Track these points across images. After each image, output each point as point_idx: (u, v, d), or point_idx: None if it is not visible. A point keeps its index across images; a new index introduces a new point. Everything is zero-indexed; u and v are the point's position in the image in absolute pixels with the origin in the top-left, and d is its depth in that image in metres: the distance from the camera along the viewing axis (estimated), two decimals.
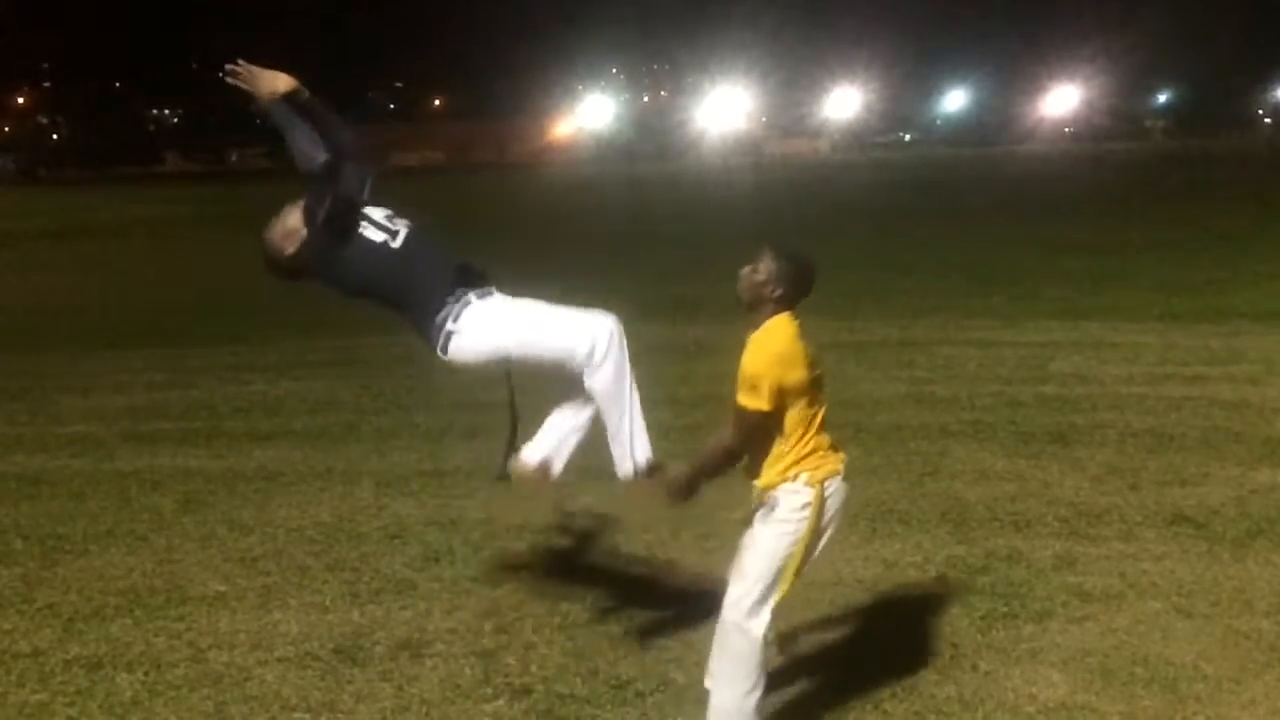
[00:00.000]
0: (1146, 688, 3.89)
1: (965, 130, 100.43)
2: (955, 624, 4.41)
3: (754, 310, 3.43)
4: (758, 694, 3.39)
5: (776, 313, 3.39)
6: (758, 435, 3.35)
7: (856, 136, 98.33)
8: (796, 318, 3.39)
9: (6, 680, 4.23)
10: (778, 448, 3.36)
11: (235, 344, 11.83)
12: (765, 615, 3.36)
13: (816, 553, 3.42)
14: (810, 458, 3.35)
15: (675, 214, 31.12)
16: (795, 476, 3.34)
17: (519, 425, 4.11)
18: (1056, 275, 14.87)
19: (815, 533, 3.34)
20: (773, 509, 3.39)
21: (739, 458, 3.44)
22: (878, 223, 25.78)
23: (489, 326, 3.82)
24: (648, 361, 10.84)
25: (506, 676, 4.12)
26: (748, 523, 3.49)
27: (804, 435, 3.35)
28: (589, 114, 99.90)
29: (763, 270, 3.38)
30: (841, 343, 10.48)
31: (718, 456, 3.51)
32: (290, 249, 3.93)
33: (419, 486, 6.42)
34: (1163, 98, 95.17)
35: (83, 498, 6.44)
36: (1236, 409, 7.51)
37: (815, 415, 3.37)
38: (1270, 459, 6.41)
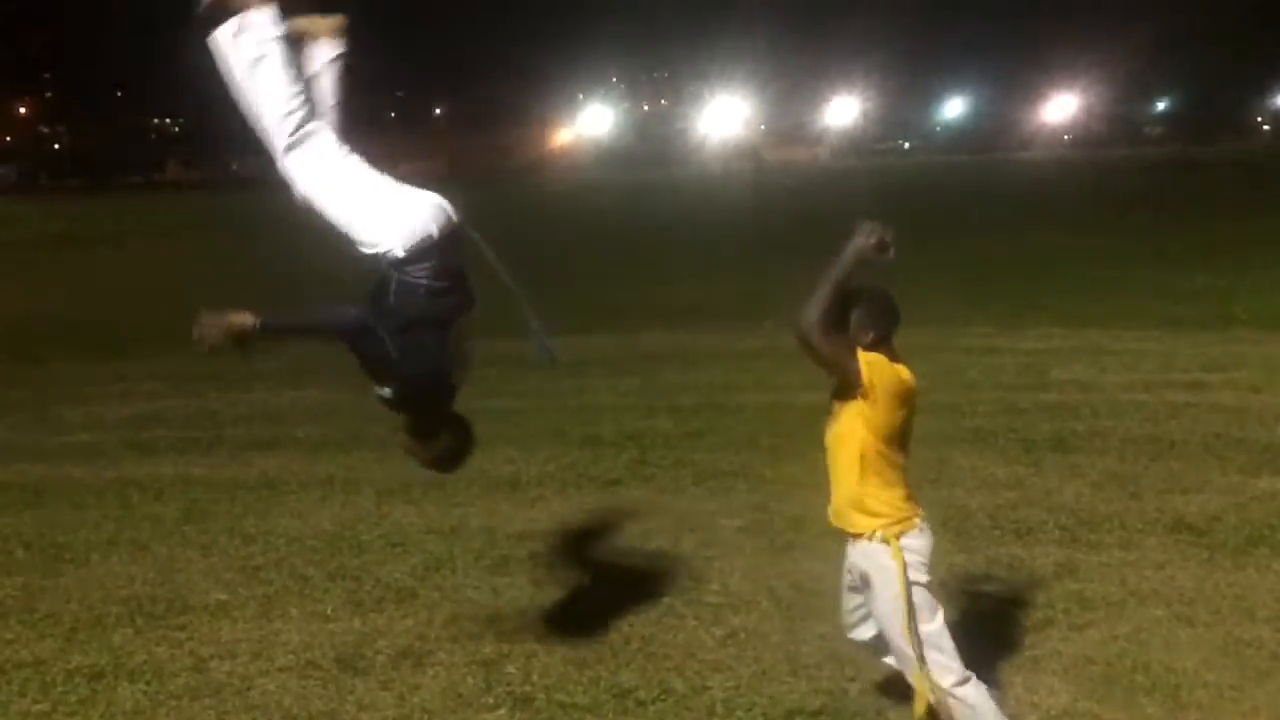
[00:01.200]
0: (1148, 695, 3.89)
1: (964, 137, 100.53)
2: (956, 632, 4.39)
3: None
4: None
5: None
6: (822, 364, 3.24)
7: (856, 144, 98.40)
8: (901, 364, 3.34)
9: (8, 690, 4.23)
10: (858, 487, 3.30)
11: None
12: (941, 663, 3.29)
13: (930, 598, 3.34)
14: (893, 509, 3.31)
15: (676, 221, 31.15)
16: (876, 532, 3.30)
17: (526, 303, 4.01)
18: (1056, 282, 14.87)
19: (906, 578, 3.26)
20: (869, 579, 3.34)
21: (805, 328, 3.21)
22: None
23: (374, 215, 3.71)
24: (648, 369, 10.92)
25: (508, 685, 4.12)
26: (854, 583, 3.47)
27: (894, 480, 3.31)
28: (589, 122, 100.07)
29: (849, 319, 3.30)
30: None
31: (824, 299, 3.22)
32: (438, 444, 4.01)
33: (420, 495, 6.41)
34: (1161, 105, 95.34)
35: (84, 507, 6.44)
36: (1237, 416, 7.51)
37: (900, 465, 3.34)
38: (1271, 466, 6.40)
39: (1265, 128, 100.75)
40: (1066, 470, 6.45)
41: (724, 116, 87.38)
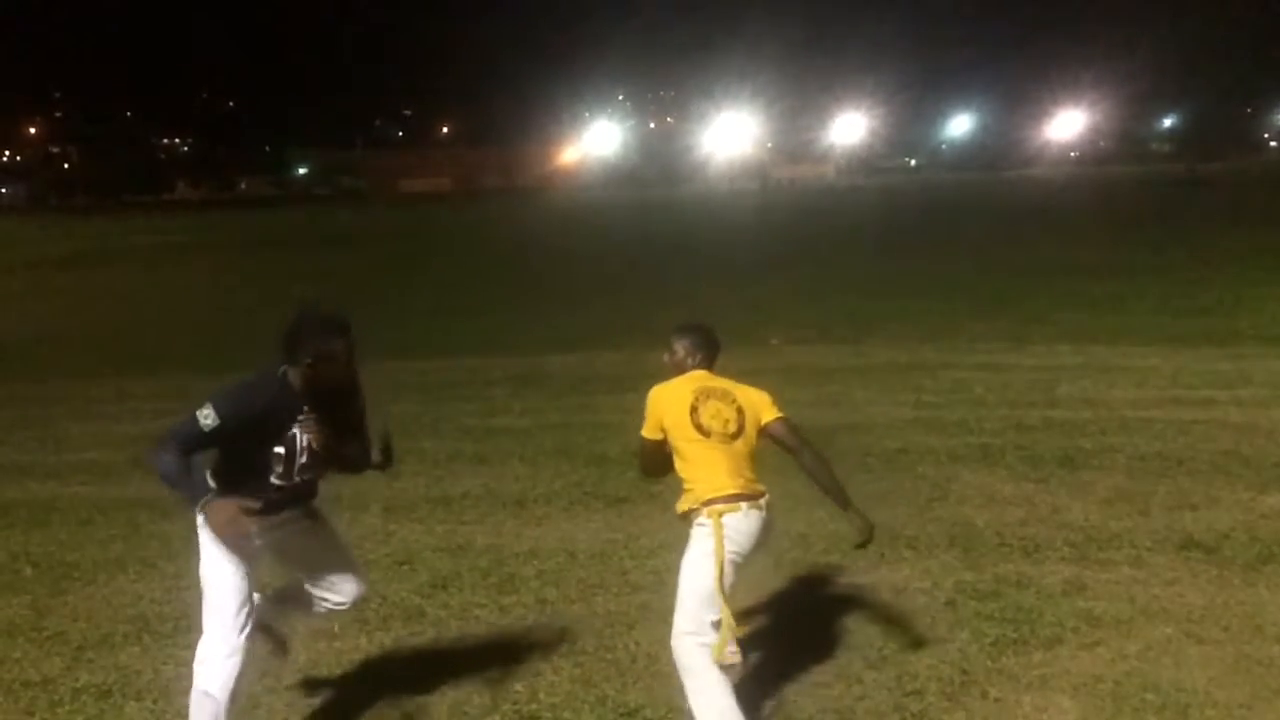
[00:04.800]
0: (1158, 714, 3.87)
1: (970, 155, 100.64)
2: (965, 650, 4.39)
3: None
4: (718, 701, 3.64)
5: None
6: (650, 460, 3.93)
7: (862, 161, 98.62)
8: (711, 372, 3.97)
9: (15, 709, 4.23)
10: (684, 479, 3.81)
11: (244, 370, 11.85)
12: (689, 638, 3.66)
13: (732, 578, 3.71)
14: (709, 489, 3.72)
15: (682, 239, 31.20)
16: (696, 512, 3.75)
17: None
18: (1063, 299, 14.87)
19: (720, 562, 3.65)
20: (688, 542, 3.79)
21: (652, 478, 4.06)
22: (883, 247, 25.83)
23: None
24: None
25: (515, 704, 4.11)
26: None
27: (704, 466, 3.75)
28: (595, 140, 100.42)
29: (678, 348, 4.01)
30: (848, 367, 10.49)
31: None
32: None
33: (427, 513, 6.42)
34: (1168, 121, 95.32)
35: (92, 525, 6.46)
36: (1245, 432, 7.49)
37: (716, 449, 3.75)
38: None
39: (1272, 144, 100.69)
40: (1075, 487, 6.43)
41: (730, 134, 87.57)
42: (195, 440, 3.48)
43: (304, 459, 3.59)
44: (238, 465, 3.58)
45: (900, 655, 4.38)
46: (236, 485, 3.57)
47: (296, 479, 3.61)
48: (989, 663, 4.28)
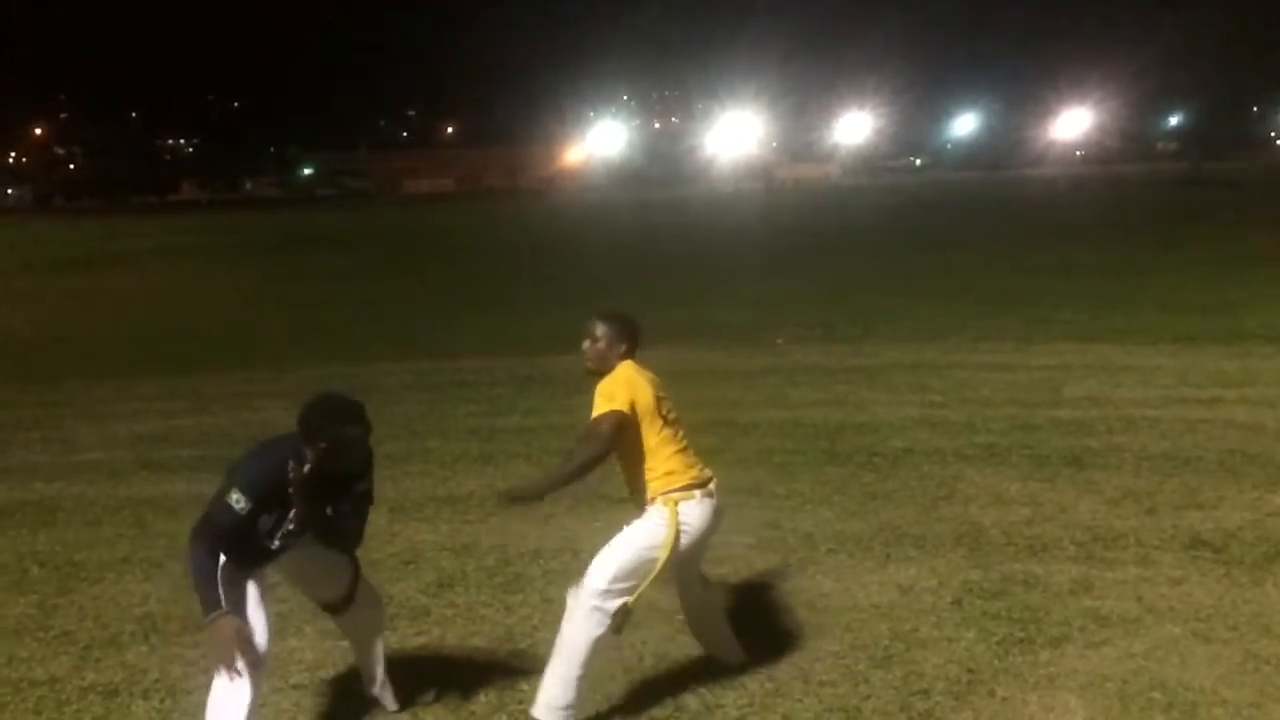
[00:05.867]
0: (1165, 713, 3.86)
1: (976, 154, 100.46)
2: (972, 649, 4.38)
3: (606, 373, 3.91)
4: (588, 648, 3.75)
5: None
6: (619, 437, 3.77)
7: (867, 161, 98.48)
8: (639, 364, 3.95)
9: (22, 708, 4.24)
10: (644, 466, 3.85)
11: (249, 371, 11.90)
12: (589, 597, 3.75)
13: (676, 559, 3.85)
14: (669, 478, 3.84)
15: (687, 239, 31.21)
16: (656, 497, 3.84)
17: None
18: (1069, 298, 14.85)
19: (673, 545, 3.78)
20: (642, 518, 3.87)
21: (601, 461, 3.82)
22: (889, 247, 25.83)
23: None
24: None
25: (521, 703, 4.11)
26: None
27: (664, 455, 3.84)
28: (599, 140, 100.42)
29: (602, 337, 3.92)
30: (853, 367, 10.48)
31: (581, 466, 3.82)
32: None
33: (433, 512, 6.43)
34: (1174, 120, 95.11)
35: (98, 525, 6.47)
36: (1252, 431, 7.48)
37: (673, 438, 3.88)
38: None
39: (1278, 143, 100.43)
40: (1082, 486, 6.42)
41: (735, 134, 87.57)
42: (234, 525, 3.50)
43: (291, 525, 3.60)
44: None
45: (906, 654, 4.38)
46: (232, 548, 3.58)
47: (278, 543, 3.62)
48: (996, 662, 4.28)
